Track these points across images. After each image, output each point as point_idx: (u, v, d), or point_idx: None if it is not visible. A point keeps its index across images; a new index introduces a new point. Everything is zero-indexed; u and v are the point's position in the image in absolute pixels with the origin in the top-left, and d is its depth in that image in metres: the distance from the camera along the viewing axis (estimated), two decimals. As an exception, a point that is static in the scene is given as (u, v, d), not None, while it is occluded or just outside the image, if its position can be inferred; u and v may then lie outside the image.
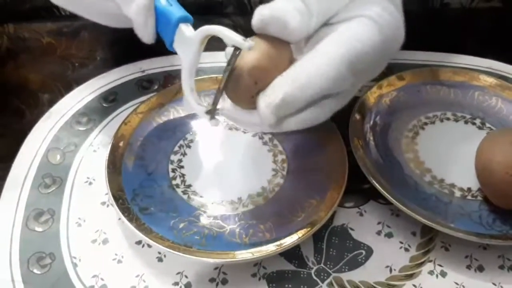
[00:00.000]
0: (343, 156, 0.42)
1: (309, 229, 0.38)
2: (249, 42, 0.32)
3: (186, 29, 0.35)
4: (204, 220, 0.40)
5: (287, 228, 0.39)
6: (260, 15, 0.33)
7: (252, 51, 0.33)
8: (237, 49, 0.33)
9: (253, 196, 0.42)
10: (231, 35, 0.33)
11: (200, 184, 0.43)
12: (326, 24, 0.35)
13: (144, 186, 0.42)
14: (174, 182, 0.43)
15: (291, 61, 0.35)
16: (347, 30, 0.33)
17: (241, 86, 0.34)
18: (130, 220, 0.38)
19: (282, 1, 0.33)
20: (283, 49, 0.35)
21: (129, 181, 0.42)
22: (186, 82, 0.35)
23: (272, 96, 0.33)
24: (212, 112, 0.35)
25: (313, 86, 0.32)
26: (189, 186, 0.43)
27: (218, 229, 0.40)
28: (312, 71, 0.32)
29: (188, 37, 0.35)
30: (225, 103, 0.36)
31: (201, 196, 0.42)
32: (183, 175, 0.43)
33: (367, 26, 0.33)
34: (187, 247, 0.37)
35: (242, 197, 0.42)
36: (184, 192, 0.42)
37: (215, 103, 0.35)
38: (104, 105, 0.51)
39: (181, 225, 0.40)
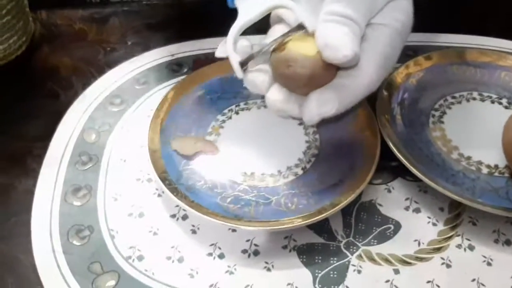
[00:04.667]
0: (372, 122, 0.44)
1: (351, 192, 0.40)
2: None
3: None
4: (249, 194, 0.42)
5: (330, 193, 0.41)
6: (345, 57, 0.34)
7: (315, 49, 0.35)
8: (300, 27, 0.36)
9: (292, 168, 0.43)
10: (300, 14, 0.36)
11: (239, 161, 0.44)
12: None
13: (186, 167, 0.43)
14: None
15: None
16: (382, 47, 0.36)
17: (300, 75, 0.35)
18: (180, 199, 0.40)
19: (344, 37, 0.34)
20: None
21: (171, 163, 0.43)
22: (233, 34, 0.37)
23: (325, 109, 0.36)
24: (244, 64, 0.37)
25: (355, 102, 0.36)
26: (229, 163, 0.44)
27: (264, 201, 0.41)
28: (357, 92, 0.36)
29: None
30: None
31: (242, 172, 0.43)
32: None
33: (397, 39, 0.37)
34: (238, 219, 0.39)
35: (281, 169, 0.43)
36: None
37: (250, 57, 0.37)
38: (136, 87, 0.52)
39: (228, 200, 0.41)
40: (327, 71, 0.35)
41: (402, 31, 0.37)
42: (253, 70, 0.37)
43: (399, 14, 0.37)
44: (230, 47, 0.37)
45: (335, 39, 0.34)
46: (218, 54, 0.38)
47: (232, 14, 0.47)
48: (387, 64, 0.37)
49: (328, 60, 0.34)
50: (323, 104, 0.36)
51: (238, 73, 0.37)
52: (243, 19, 0.37)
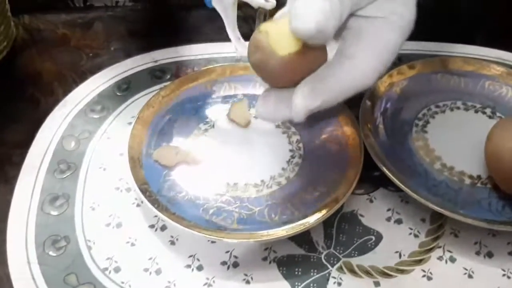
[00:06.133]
0: (355, 132, 0.44)
1: (333, 203, 0.39)
2: (272, 1, 0.38)
3: None
4: (231, 205, 0.41)
5: (313, 204, 0.40)
6: (308, 30, 0.31)
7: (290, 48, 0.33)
8: (262, 11, 0.39)
9: (275, 177, 0.43)
10: None
11: (222, 171, 0.43)
12: (355, 15, 0.34)
13: (167, 178, 0.43)
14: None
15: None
16: (377, 39, 0.34)
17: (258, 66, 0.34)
18: (161, 211, 0.39)
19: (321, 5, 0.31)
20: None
21: (152, 173, 0.43)
22: (232, 33, 0.43)
23: (310, 101, 0.34)
24: None
25: (345, 95, 0.34)
26: (212, 173, 0.43)
27: (247, 212, 0.40)
28: (347, 84, 0.34)
29: None
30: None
31: (225, 183, 0.43)
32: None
33: (394, 32, 0.34)
34: (220, 231, 0.38)
35: (264, 179, 0.43)
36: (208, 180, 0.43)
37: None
38: (118, 93, 0.52)
39: (211, 211, 0.40)
40: (289, 73, 0.33)
41: (401, 25, 0.34)
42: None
43: (398, 5, 0.34)
44: (238, 45, 0.43)
45: (304, 8, 0.30)
46: (239, 54, 0.44)
47: (214, 19, 0.47)
48: (383, 59, 0.34)
49: (292, 31, 0.31)
50: (308, 95, 0.33)
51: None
52: (226, 19, 0.42)
